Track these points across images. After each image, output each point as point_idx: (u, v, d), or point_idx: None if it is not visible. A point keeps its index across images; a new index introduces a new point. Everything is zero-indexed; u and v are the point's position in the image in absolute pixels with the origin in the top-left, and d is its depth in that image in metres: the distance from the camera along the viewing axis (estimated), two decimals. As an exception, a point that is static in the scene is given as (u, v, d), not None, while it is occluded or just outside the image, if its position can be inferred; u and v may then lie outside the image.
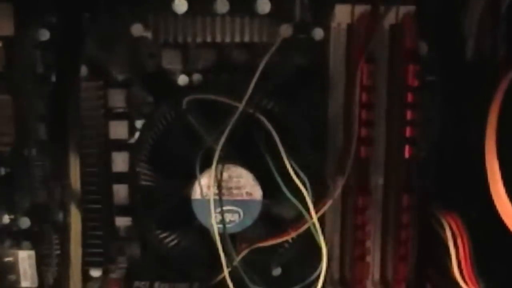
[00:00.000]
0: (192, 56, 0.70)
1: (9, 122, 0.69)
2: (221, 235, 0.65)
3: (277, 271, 0.71)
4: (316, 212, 0.64)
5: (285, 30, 0.68)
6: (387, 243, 0.71)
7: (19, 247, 0.73)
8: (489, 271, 0.64)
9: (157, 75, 0.70)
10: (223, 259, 0.65)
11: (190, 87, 0.69)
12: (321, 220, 0.65)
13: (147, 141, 0.68)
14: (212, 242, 0.66)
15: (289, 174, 0.63)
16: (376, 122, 0.69)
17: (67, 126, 0.70)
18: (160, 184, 0.68)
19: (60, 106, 0.70)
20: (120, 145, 0.70)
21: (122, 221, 0.72)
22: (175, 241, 0.69)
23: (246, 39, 0.69)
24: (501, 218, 0.61)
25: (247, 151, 0.65)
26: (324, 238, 0.65)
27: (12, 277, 0.73)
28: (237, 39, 0.69)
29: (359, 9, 0.67)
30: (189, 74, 0.70)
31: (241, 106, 0.64)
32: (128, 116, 0.70)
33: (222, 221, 0.66)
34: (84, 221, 0.71)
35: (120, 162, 0.70)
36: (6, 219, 0.72)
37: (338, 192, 0.66)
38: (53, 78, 0.70)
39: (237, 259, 0.66)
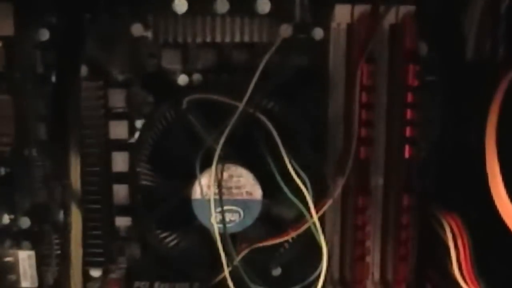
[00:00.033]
0: (192, 56, 0.70)
1: (9, 122, 0.69)
2: (221, 235, 0.65)
3: (277, 271, 0.71)
4: (316, 212, 0.64)
5: (285, 30, 0.68)
6: (387, 243, 0.71)
7: (19, 247, 0.73)
8: (490, 272, 0.64)
9: (157, 75, 0.70)
10: (224, 259, 0.65)
11: (190, 87, 0.69)
12: (321, 220, 0.65)
13: (147, 141, 0.68)
14: (212, 242, 0.66)
15: (289, 173, 0.63)
16: (376, 122, 0.69)
17: (67, 126, 0.70)
18: (160, 184, 0.68)
19: (60, 106, 0.70)
20: (120, 145, 0.70)
21: (122, 221, 0.71)
22: (175, 241, 0.69)
23: (246, 39, 0.69)
24: (502, 218, 0.61)
25: (247, 151, 0.65)
26: (324, 238, 0.65)
27: (12, 277, 0.73)
28: (237, 39, 0.69)
29: (359, 9, 0.67)
30: (189, 74, 0.70)
31: (241, 106, 0.64)
32: (128, 116, 0.70)
33: (222, 221, 0.66)
34: (84, 221, 0.71)
35: (120, 162, 0.70)
36: (6, 219, 0.72)
37: (338, 192, 0.66)
38: (53, 78, 0.70)
39: (237, 259, 0.66)
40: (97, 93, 0.69)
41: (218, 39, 0.69)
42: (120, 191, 0.71)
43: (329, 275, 0.70)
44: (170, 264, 0.71)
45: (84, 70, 0.69)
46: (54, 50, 0.70)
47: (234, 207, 0.66)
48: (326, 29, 0.68)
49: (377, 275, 0.72)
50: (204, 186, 0.65)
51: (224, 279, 0.66)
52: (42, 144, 0.71)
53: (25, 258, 0.73)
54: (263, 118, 0.64)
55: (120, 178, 0.71)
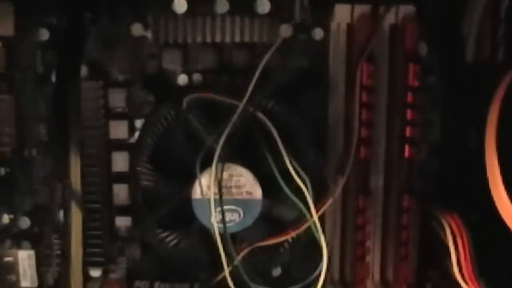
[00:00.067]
0: (192, 56, 0.70)
1: (9, 122, 0.69)
2: (222, 235, 0.65)
3: (277, 271, 0.71)
4: (316, 212, 0.64)
5: (285, 30, 0.68)
6: (388, 244, 0.71)
7: (19, 247, 0.73)
8: (490, 272, 0.64)
9: (157, 75, 0.70)
10: (224, 259, 0.65)
11: (190, 87, 0.69)
12: (321, 220, 0.65)
13: (147, 141, 0.68)
14: (212, 242, 0.66)
15: (289, 173, 0.63)
16: (376, 122, 0.69)
17: (68, 126, 0.70)
18: (160, 184, 0.68)
19: (61, 106, 0.70)
20: (120, 145, 0.70)
21: (122, 221, 0.71)
22: (175, 241, 0.69)
23: (246, 39, 0.69)
24: (502, 219, 0.61)
25: (247, 151, 0.65)
26: (324, 238, 0.65)
27: (12, 277, 0.73)
28: (237, 39, 0.69)
29: (359, 9, 0.67)
30: (189, 74, 0.70)
31: (241, 106, 0.64)
32: (128, 116, 0.70)
33: (223, 221, 0.66)
34: (84, 221, 0.71)
35: (120, 162, 0.70)
36: (6, 219, 0.72)
37: (338, 192, 0.67)
38: (53, 78, 0.70)
39: (237, 259, 0.66)
40: (97, 93, 0.69)
41: (218, 39, 0.69)
42: (120, 191, 0.71)
43: (329, 275, 0.70)
44: (170, 264, 0.71)
45: (84, 70, 0.69)
46: (54, 50, 0.70)
47: (234, 207, 0.66)
48: (326, 29, 0.68)
49: (377, 276, 0.71)
50: (204, 186, 0.65)
51: (224, 279, 0.66)
52: (43, 144, 0.71)
53: (25, 258, 0.73)
54: (263, 117, 0.64)
55: (120, 178, 0.71)
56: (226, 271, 0.66)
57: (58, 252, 0.73)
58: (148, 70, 0.70)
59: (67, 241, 0.72)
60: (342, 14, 0.68)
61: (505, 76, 0.63)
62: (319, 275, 0.65)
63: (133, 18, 0.69)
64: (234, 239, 0.67)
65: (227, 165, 0.65)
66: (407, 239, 0.70)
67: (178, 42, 0.69)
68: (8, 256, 0.73)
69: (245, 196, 0.65)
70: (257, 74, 0.64)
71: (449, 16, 0.69)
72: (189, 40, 0.69)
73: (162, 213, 0.68)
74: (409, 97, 0.68)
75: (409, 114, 0.68)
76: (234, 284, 0.66)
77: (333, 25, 0.68)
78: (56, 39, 0.70)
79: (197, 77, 0.70)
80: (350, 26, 0.68)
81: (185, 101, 0.66)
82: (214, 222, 0.65)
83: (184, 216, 0.67)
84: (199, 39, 0.69)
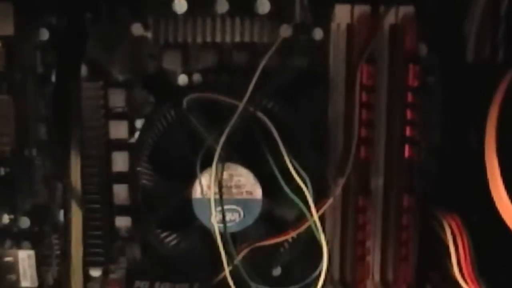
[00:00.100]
0: (192, 56, 0.70)
1: (9, 122, 0.69)
2: (222, 235, 0.65)
3: (277, 271, 0.71)
4: (317, 211, 0.64)
5: (285, 31, 0.68)
6: (388, 244, 0.71)
7: (19, 247, 0.73)
8: (490, 272, 0.64)
9: (157, 75, 0.70)
10: (224, 258, 0.65)
11: (190, 87, 0.69)
12: (321, 220, 0.65)
13: (147, 141, 0.68)
14: (212, 241, 0.66)
15: (289, 173, 0.63)
16: (376, 122, 0.69)
17: (68, 126, 0.70)
18: (160, 184, 0.68)
19: (61, 106, 0.70)
20: (120, 145, 0.70)
21: (122, 221, 0.71)
22: (176, 241, 0.69)
23: (246, 39, 0.69)
24: (502, 219, 0.61)
25: (247, 151, 0.65)
26: (325, 238, 0.65)
27: (12, 277, 0.73)
28: (237, 39, 0.69)
29: (359, 9, 0.67)
30: (189, 74, 0.70)
31: (241, 106, 0.64)
32: (128, 116, 0.70)
33: (223, 221, 0.66)
34: (84, 221, 0.71)
35: (120, 162, 0.70)
36: (6, 219, 0.72)
37: (338, 192, 0.67)
38: (53, 78, 0.70)
39: (238, 258, 0.66)
40: (97, 93, 0.69)
41: (218, 39, 0.69)
42: (120, 191, 0.71)
43: (329, 275, 0.69)
44: (170, 264, 0.71)
45: (84, 70, 0.69)
46: (54, 50, 0.70)
47: (234, 207, 0.66)
48: (326, 30, 0.68)
49: (377, 276, 0.71)
50: (204, 185, 0.65)
51: (224, 279, 0.66)
52: (42, 144, 0.71)
53: (25, 258, 0.73)
54: (263, 117, 0.64)
55: (120, 178, 0.71)
56: (227, 271, 0.66)
57: (58, 252, 0.73)
58: (148, 70, 0.70)
59: (67, 241, 0.72)
60: (342, 14, 0.68)
61: (505, 76, 0.63)
62: (319, 275, 0.65)
63: (133, 18, 0.69)
64: (234, 239, 0.66)
65: (227, 165, 0.65)
66: (407, 239, 0.70)
67: (178, 42, 0.69)
68: (8, 256, 0.73)
69: (245, 196, 0.66)
70: (257, 74, 0.64)
71: (449, 16, 0.69)
72: (189, 40, 0.69)
73: (162, 213, 0.68)
74: (409, 97, 0.68)
75: (409, 114, 0.68)
76: (234, 284, 0.66)
77: (333, 25, 0.68)
78: (56, 39, 0.70)
79: (197, 77, 0.70)
80: (350, 26, 0.68)
81: (185, 101, 0.66)
82: (214, 222, 0.65)
83: (184, 216, 0.67)
84: (199, 39, 0.69)
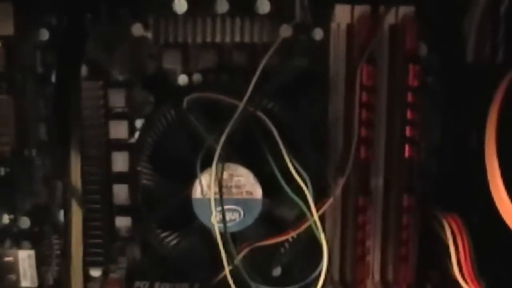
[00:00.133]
0: (192, 56, 0.70)
1: (9, 122, 0.69)
2: (222, 234, 0.65)
3: (277, 271, 0.71)
4: (317, 211, 0.64)
5: (285, 31, 0.68)
6: (388, 244, 0.71)
7: (19, 247, 0.73)
8: (490, 272, 0.64)
9: (157, 75, 0.70)
10: (224, 258, 0.65)
11: (190, 87, 0.69)
12: (321, 220, 0.65)
13: (147, 141, 0.68)
14: (212, 241, 0.66)
15: (289, 173, 0.63)
16: (376, 122, 0.69)
17: (68, 126, 0.70)
18: (160, 184, 0.68)
19: (61, 106, 0.70)
20: (120, 145, 0.70)
21: (122, 221, 0.71)
22: (176, 241, 0.69)
23: (246, 39, 0.69)
24: (502, 219, 0.61)
25: (248, 150, 0.65)
26: (325, 238, 0.65)
27: (12, 277, 0.73)
28: (237, 39, 0.69)
29: (359, 9, 0.67)
30: (189, 74, 0.70)
31: (241, 106, 0.64)
32: (128, 116, 0.70)
33: (223, 220, 0.66)
34: (84, 221, 0.71)
35: (120, 162, 0.70)
36: (6, 219, 0.72)
37: (338, 191, 0.67)
38: (53, 78, 0.70)
39: (238, 258, 0.66)
40: (97, 93, 0.69)
41: (218, 39, 0.69)
42: (120, 191, 0.71)
43: (329, 275, 0.70)
44: (170, 264, 0.71)
45: (84, 70, 0.69)
46: (54, 50, 0.70)
47: (234, 207, 0.66)
48: (326, 30, 0.68)
49: (377, 276, 0.71)
50: (204, 185, 0.65)
51: (225, 279, 0.66)
52: (42, 144, 0.71)
53: (25, 258, 0.73)
54: (263, 117, 0.64)
55: (120, 178, 0.71)
56: (227, 271, 0.66)
57: (58, 252, 0.73)
58: (148, 70, 0.70)
59: (67, 241, 0.72)
60: (342, 14, 0.68)
61: (505, 76, 0.63)
62: (319, 275, 0.65)
63: (133, 18, 0.69)
64: (234, 239, 0.66)
65: (227, 164, 0.65)
66: (407, 239, 0.70)
67: (178, 42, 0.69)
68: (8, 256, 0.73)
69: (245, 196, 0.66)
70: (257, 74, 0.64)
71: (449, 16, 0.69)
72: (189, 40, 0.69)
73: (162, 213, 0.68)
74: (409, 97, 0.68)
75: (409, 114, 0.68)
76: (234, 284, 0.66)
77: (333, 25, 0.68)
78: (56, 39, 0.70)
79: (197, 77, 0.70)
80: (350, 26, 0.68)
81: (185, 100, 0.66)
82: (215, 221, 0.65)
83: (184, 216, 0.67)
84: (199, 39, 0.69)
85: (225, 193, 0.65)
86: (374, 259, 0.71)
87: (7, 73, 0.69)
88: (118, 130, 0.70)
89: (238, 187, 0.65)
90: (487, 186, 0.62)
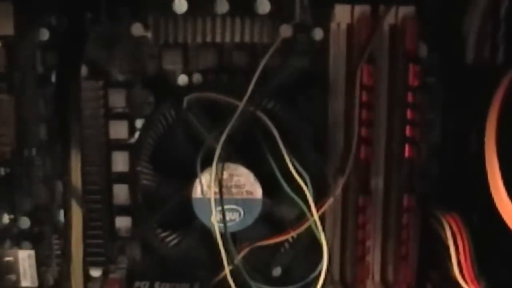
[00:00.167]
0: (192, 56, 0.70)
1: (9, 122, 0.69)
2: (222, 234, 0.65)
3: (277, 271, 0.71)
4: (317, 211, 0.64)
5: (285, 31, 0.68)
6: (388, 244, 0.71)
7: (19, 247, 0.73)
8: (490, 272, 0.64)
9: (157, 75, 0.70)
10: (224, 258, 0.65)
11: (190, 87, 0.69)
12: (321, 220, 0.65)
13: (147, 141, 0.68)
14: (212, 241, 0.66)
15: (289, 173, 0.63)
16: (376, 122, 0.69)
17: (68, 126, 0.70)
18: (160, 184, 0.68)
19: (61, 106, 0.70)
20: (120, 145, 0.70)
21: (122, 221, 0.71)
22: (176, 241, 0.69)
23: (246, 39, 0.69)
24: (502, 219, 0.61)
25: (248, 150, 0.65)
26: (325, 238, 0.65)
27: (12, 277, 0.73)
28: (237, 39, 0.69)
29: (359, 9, 0.67)
30: (189, 74, 0.70)
31: (241, 105, 0.64)
32: (128, 116, 0.70)
33: (223, 220, 0.66)
34: (84, 220, 0.71)
35: (120, 162, 0.70)
36: (6, 219, 0.72)
37: (338, 191, 0.67)
38: (53, 78, 0.70)
39: (238, 258, 0.66)
40: (97, 93, 0.69)
41: (218, 39, 0.69)
42: (120, 191, 0.71)
43: (329, 275, 0.70)
44: (170, 264, 0.71)
45: (84, 70, 0.69)
46: (54, 50, 0.70)
47: (234, 206, 0.66)
48: (326, 30, 0.68)
49: (377, 276, 0.71)
50: (204, 185, 0.65)
51: (225, 279, 0.66)
52: (43, 144, 0.71)
53: (25, 258, 0.73)
54: (263, 116, 0.64)
55: (120, 178, 0.71)
56: (227, 271, 0.66)
57: (58, 252, 0.73)
58: (148, 70, 0.70)
59: (67, 241, 0.72)
60: (342, 14, 0.68)
61: (505, 76, 0.63)
62: (319, 275, 0.65)
63: (133, 18, 0.69)
64: (234, 238, 0.67)
65: (227, 164, 0.65)
66: (408, 239, 0.70)
67: (178, 42, 0.69)
68: (8, 256, 0.73)
69: (245, 195, 0.66)
70: (257, 74, 0.64)
71: (449, 16, 0.69)
72: (189, 40, 0.69)
73: (162, 213, 0.68)
74: (409, 97, 0.68)
75: (409, 114, 0.68)
76: (234, 284, 0.66)
77: (333, 25, 0.68)
78: (56, 39, 0.70)
79: (197, 77, 0.70)
80: (350, 26, 0.68)
81: (185, 100, 0.66)
82: (215, 221, 0.65)
83: (184, 215, 0.67)
84: (199, 39, 0.69)
85: (225, 193, 0.65)
86: (374, 259, 0.71)
87: (7, 73, 0.69)
88: (118, 130, 0.70)
89: (238, 187, 0.65)
90: (487, 186, 0.62)
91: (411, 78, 0.67)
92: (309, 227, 0.65)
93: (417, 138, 0.69)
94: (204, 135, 0.65)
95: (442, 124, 0.71)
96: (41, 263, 0.73)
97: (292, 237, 0.68)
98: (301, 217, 0.66)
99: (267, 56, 0.65)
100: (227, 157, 0.65)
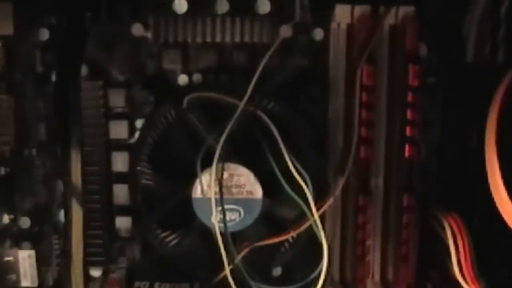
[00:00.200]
0: (192, 56, 0.70)
1: (9, 122, 0.69)
2: (222, 234, 0.65)
3: (277, 271, 0.71)
4: (317, 210, 0.64)
5: (285, 31, 0.68)
6: (388, 243, 0.71)
7: (19, 247, 0.73)
8: (490, 272, 0.64)
9: (157, 75, 0.70)
10: (225, 258, 0.65)
11: (190, 87, 0.69)
12: (321, 220, 0.65)
13: (147, 140, 0.68)
14: (212, 241, 0.66)
15: (289, 173, 0.63)
16: (376, 122, 0.69)
17: (68, 126, 0.70)
18: (160, 184, 0.68)
19: (61, 106, 0.70)
20: (120, 145, 0.70)
21: (122, 221, 0.71)
22: (176, 241, 0.69)
23: (246, 39, 0.69)
24: (502, 219, 0.61)
25: (248, 150, 0.65)
26: (325, 238, 0.65)
27: (12, 276, 0.73)
28: (237, 39, 0.69)
29: (359, 9, 0.67)
30: (189, 74, 0.70)
31: (241, 105, 0.64)
32: (128, 116, 0.70)
33: (223, 220, 0.66)
34: (85, 220, 0.71)
35: (120, 162, 0.70)
36: (6, 219, 0.72)
37: (338, 191, 0.67)
38: (53, 78, 0.70)
39: (238, 258, 0.66)
40: (97, 93, 0.69)
41: (218, 39, 0.69)
42: (121, 191, 0.71)
43: (329, 275, 0.69)
44: (170, 264, 0.71)
45: (84, 70, 0.69)
46: (54, 50, 0.70)
47: (234, 206, 0.66)
48: (326, 30, 0.68)
49: (377, 275, 0.71)
50: (204, 185, 0.65)
51: (225, 278, 0.66)
52: (42, 144, 0.71)
53: (25, 258, 0.73)
54: (263, 116, 0.64)
55: (120, 178, 0.71)
56: (227, 271, 0.66)
57: (58, 252, 0.73)
58: (148, 70, 0.70)
59: (67, 241, 0.72)
60: (342, 14, 0.68)
61: (505, 76, 0.63)
62: (319, 274, 0.65)
63: (133, 18, 0.69)
64: (234, 238, 0.67)
65: (227, 164, 0.65)
66: (408, 238, 0.70)
67: (178, 42, 0.69)
68: (8, 256, 0.73)
69: (245, 195, 0.66)
70: (257, 74, 0.64)
71: (449, 16, 0.69)
72: (189, 40, 0.69)
73: (162, 213, 0.68)
74: (409, 97, 0.68)
75: (409, 114, 0.68)
76: (235, 284, 0.66)
77: (333, 25, 0.68)
78: (56, 39, 0.70)
79: (197, 77, 0.70)
80: (350, 26, 0.68)
81: (185, 100, 0.66)
82: (215, 221, 0.65)
83: (184, 215, 0.67)
84: (199, 39, 0.69)
85: (225, 193, 0.65)
86: (374, 259, 0.71)
87: (7, 73, 0.69)
88: (118, 130, 0.70)
89: (238, 186, 0.65)
90: (487, 186, 0.62)
91: (411, 78, 0.67)
92: (309, 227, 0.65)
93: (417, 138, 0.69)
94: (204, 135, 0.65)
95: (442, 124, 0.70)
96: (41, 263, 0.73)
97: (292, 237, 0.68)
98: (301, 217, 0.66)
99: (267, 56, 0.65)
100: (227, 157, 0.65)
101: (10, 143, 0.70)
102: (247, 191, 0.65)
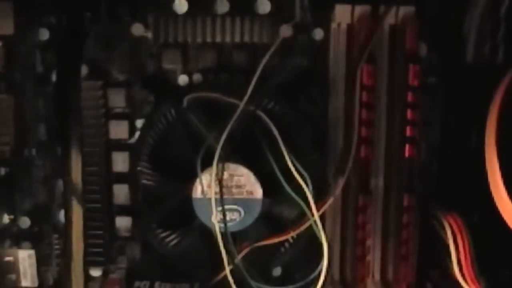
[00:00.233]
0: (192, 56, 0.70)
1: (9, 122, 0.69)
2: (222, 234, 0.65)
3: (277, 271, 0.71)
4: (317, 211, 0.64)
5: (285, 30, 0.68)
6: (388, 243, 0.71)
7: (19, 247, 0.73)
8: (490, 271, 0.64)
9: (157, 75, 0.70)
10: (225, 258, 0.65)
11: (190, 87, 0.69)
12: (321, 220, 0.65)
13: (147, 140, 0.68)
14: (212, 241, 0.66)
15: (290, 173, 0.63)
16: (376, 122, 0.69)
17: (68, 126, 0.70)
18: (160, 184, 0.68)
19: (61, 106, 0.70)
20: (120, 145, 0.70)
21: (122, 221, 0.71)
22: (176, 241, 0.69)
23: (246, 39, 0.69)
24: (502, 218, 0.61)
25: (248, 150, 0.65)
26: (325, 237, 0.65)
27: (12, 277, 0.73)
28: (237, 39, 0.69)
29: (359, 9, 0.67)
30: (189, 74, 0.70)
31: (241, 106, 0.64)
32: (128, 116, 0.70)
33: (223, 220, 0.66)
34: (85, 220, 0.71)
35: (120, 162, 0.70)
36: (6, 219, 0.72)
37: (338, 191, 0.67)
38: (53, 78, 0.70)
39: (238, 258, 0.66)
40: (97, 93, 0.69)
41: (218, 39, 0.69)
42: (121, 191, 0.71)
43: (329, 275, 0.69)
44: (170, 264, 0.71)
45: (84, 70, 0.69)
46: (54, 50, 0.70)
47: (234, 206, 0.66)
48: (326, 30, 0.68)
49: (377, 275, 0.71)
50: (204, 185, 0.65)
51: (225, 278, 0.66)
52: (42, 144, 0.71)
53: (25, 258, 0.73)
54: (263, 116, 0.64)
55: (120, 178, 0.71)
56: (227, 271, 0.66)
57: (58, 252, 0.73)
58: (148, 70, 0.70)
59: (67, 240, 0.72)
60: (342, 14, 0.67)
61: (505, 76, 0.63)
62: (319, 274, 0.65)
63: (133, 18, 0.69)
64: (234, 238, 0.67)
65: (227, 164, 0.65)
66: (408, 238, 0.70)
67: (178, 42, 0.69)
68: (8, 255, 0.73)
69: (245, 195, 0.66)
70: (257, 74, 0.64)
71: (449, 16, 0.69)
72: (189, 40, 0.69)
73: (162, 213, 0.68)
74: (409, 97, 0.68)
75: (409, 114, 0.68)
76: (235, 284, 0.66)
77: (333, 25, 0.68)
78: (56, 39, 0.70)
79: (197, 77, 0.70)
80: (350, 26, 0.68)
81: (185, 100, 0.66)
82: (215, 221, 0.65)
83: (184, 215, 0.67)
84: (199, 39, 0.69)
85: (226, 193, 0.65)
86: (374, 259, 0.71)
87: (7, 73, 0.69)
88: (118, 130, 0.70)
89: (238, 186, 0.65)
90: (487, 186, 0.62)
91: (411, 78, 0.67)
92: (309, 227, 0.65)
93: (417, 138, 0.69)
94: (204, 135, 0.65)
95: (442, 124, 0.70)
96: (41, 263, 0.73)
97: (292, 237, 0.68)
98: (301, 217, 0.66)
99: (267, 56, 0.65)
100: (227, 157, 0.65)
101: (10, 143, 0.70)
102: (247, 191, 0.65)
